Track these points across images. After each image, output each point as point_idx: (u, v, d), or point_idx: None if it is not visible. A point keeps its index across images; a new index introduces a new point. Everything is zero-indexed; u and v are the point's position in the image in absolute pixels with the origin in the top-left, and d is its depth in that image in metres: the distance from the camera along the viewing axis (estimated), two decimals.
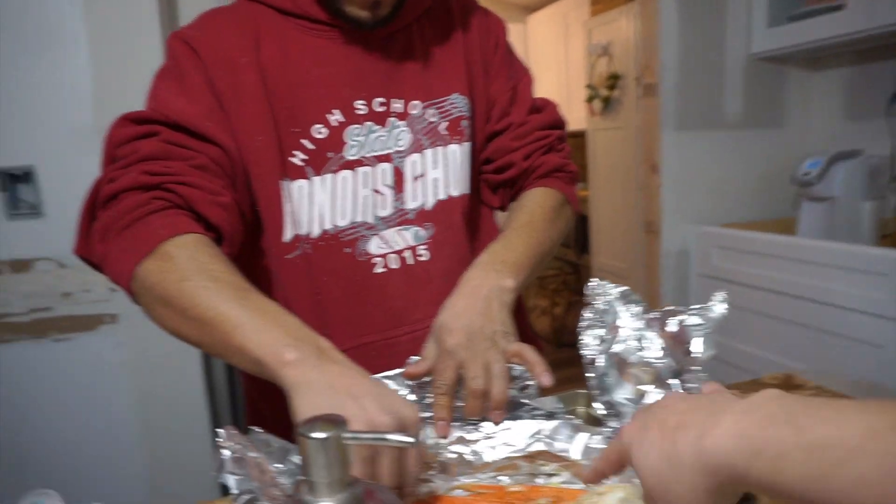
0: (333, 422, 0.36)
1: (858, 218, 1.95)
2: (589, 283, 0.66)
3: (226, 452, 0.44)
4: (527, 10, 4.18)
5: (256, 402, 0.83)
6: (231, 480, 0.43)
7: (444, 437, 0.62)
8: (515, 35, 4.17)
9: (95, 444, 1.59)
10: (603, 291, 0.65)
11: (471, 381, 0.62)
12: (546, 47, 3.95)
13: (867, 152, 2.00)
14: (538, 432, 0.63)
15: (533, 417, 0.67)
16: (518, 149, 0.82)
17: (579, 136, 3.38)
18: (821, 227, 2.01)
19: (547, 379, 0.62)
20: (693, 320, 0.57)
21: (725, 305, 0.57)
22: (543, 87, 3.99)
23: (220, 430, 0.46)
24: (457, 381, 0.64)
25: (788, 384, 0.86)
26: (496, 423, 0.63)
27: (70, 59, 1.47)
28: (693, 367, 0.55)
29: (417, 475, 0.52)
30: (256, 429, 0.54)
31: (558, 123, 0.86)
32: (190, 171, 0.64)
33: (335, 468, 0.35)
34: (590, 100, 3.06)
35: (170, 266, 0.57)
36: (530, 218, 0.77)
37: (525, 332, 0.83)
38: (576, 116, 3.54)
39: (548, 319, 3.82)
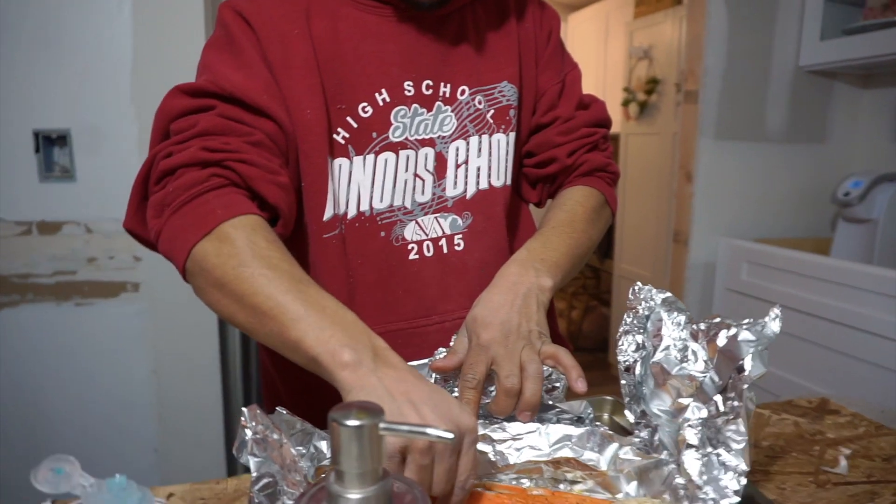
0: (369, 410, 0.34)
1: None
2: (633, 287, 0.63)
3: (248, 433, 0.42)
4: (569, 7, 4.12)
5: (274, 381, 0.81)
6: (252, 462, 0.41)
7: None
8: None
9: (109, 409, 1.60)
10: (646, 296, 0.62)
11: (504, 378, 0.60)
12: (586, 47, 3.90)
13: None
14: (566, 438, 0.60)
15: (559, 421, 0.64)
16: (563, 144, 0.79)
17: (613, 139, 3.33)
18: (857, 249, 1.95)
19: (582, 385, 0.60)
20: (745, 336, 0.54)
21: (779, 323, 0.54)
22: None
23: (245, 409, 0.44)
24: (486, 377, 0.61)
25: (823, 408, 0.82)
26: (524, 423, 0.61)
27: (112, 25, 1.47)
28: (741, 385, 0.53)
29: (467, 486, 0.50)
30: (281, 409, 0.53)
31: (604, 122, 0.83)
32: (248, 148, 0.63)
33: (367, 459, 0.33)
34: (626, 103, 3.01)
35: (227, 249, 0.56)
36: (571, 217, 0.75)
37: (553, 332, 0.81)
38: (612, 120, 3.49)
39: (564, 322, 3.78)
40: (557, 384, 0.65)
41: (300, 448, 0.52)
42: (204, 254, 0.57)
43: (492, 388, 0.63)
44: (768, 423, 0.78)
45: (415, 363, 0.64)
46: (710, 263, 2.26)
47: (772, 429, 0.76)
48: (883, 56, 1.87)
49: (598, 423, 0.64)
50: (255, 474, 0.41)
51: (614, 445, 0.59)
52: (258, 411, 0.44)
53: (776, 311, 0.54)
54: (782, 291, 1.93)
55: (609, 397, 0.74)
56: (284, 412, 0.53)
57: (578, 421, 0.64)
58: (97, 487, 0.35)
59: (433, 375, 0.65)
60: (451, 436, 0.35)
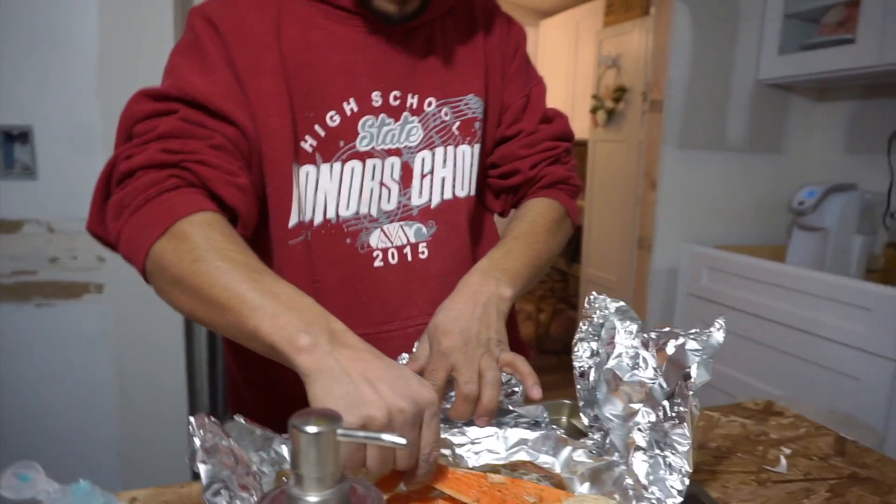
0: (327, 417, 0.35)
1: (848, 251, 1.97)
2: (589, 297, 0.66)
3: (197, 441, 0.44)
4: (540, 14, 4.18)
5: (238, 386, 0.82)
6: (202, 470, 0.42)
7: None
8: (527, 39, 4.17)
9: (71, 413, 1.58)
10: (601, 305, 0.65)
11: (463, 385, 0.62)
12: (556, 54, 3.95)
13: (862, 187, 2.02)
14: (522, 441, 0.63)
15: (517, 425, 0.67)
16: (526, 157, 0.82)
17: (581, 145, 3.39)
18: (811, 257, 2.03)
19: (537, 392, 0.62)
20: (691, 345, 0.57)
21: (723, 333, 0.57)
22: (550, 94, 3.98)
23: (191, 418, 0.45)
24: (447, 383, 0.63)
25: (769, 410, 0.86)
26: (481, 427, 0.63)
27: (77, 20, 1.45)
28: (687, 392, 0.56)
29: (431, 458, 0.51)
30: (238, 417, 0.54)
31: (567, 136, 0.86)
32: (207, 151, 0.63)
33: (325, 464, 0.35)
34: (594, 111, 3.07)
35: (184, 245, 0.57)
36: (532, 228, 0.77)
37: (514, 338, 0.83)
38: (579, 126, 3.55)
39: (532, 325, 3.83)
40: (517, 389, 0.68)
41: (261, 453, 0.54)
42: (161, 252, 0.57)
43: (452, 394, 0.65)
44: (717, 425, 0.81)
45: None
46: (673, 269, 2.32)
47: (720, 430, 0.80)
48: (836, 71, 1.95)
49: (553, 427, 0.66)
50: (205, 481, 0.42)
51: (568, 448, 0.62)
52: (206, 420, 0.45)
53: (720, 322, 0.57)
54: (741, 297, 2.00)
55: (567, 401, 0.77)
56: (242, 420, 0.54)
57: (535, 425, 0.66)
58: (61, 493, 0.36)
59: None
60: (403, 441, 0.37)
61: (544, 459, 0.62)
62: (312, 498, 0.35)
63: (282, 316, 0.51)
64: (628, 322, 0.63)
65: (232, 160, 0.65)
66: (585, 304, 0.65)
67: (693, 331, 0.58)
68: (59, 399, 1.56)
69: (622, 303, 0.65)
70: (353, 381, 0.48)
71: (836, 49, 1.95)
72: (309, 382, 0.49)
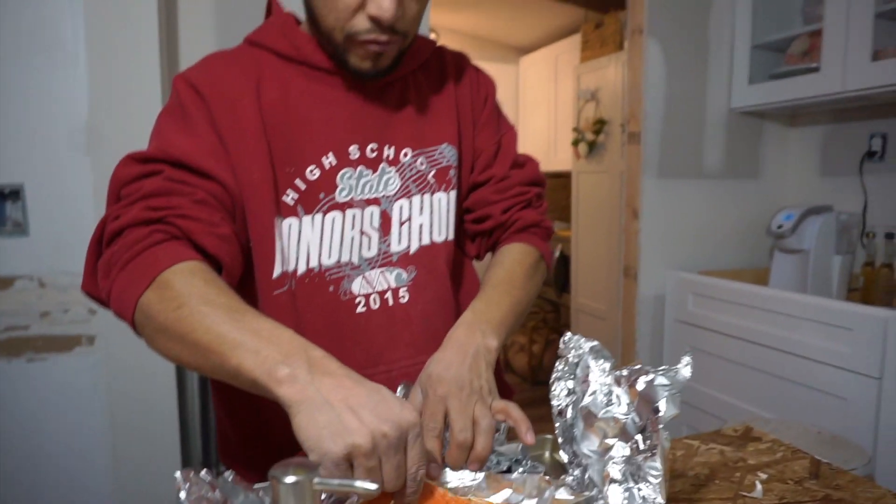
0: (305, 467, 0.38)
1: (828, 272, 2.02)
2: (563, 337, 0.68)
3: (182, 495, 0.46)
4: (520, 51, 4.29)
5: (227, 433, 0.84)
6: None
7: (435, 479, 0.62)
8: (508, 75, 4.28)
9: (63, 466, 1.57)
10: (576, 345, 0.67)
11: (458, 432, 0.63)
12: (537, 89, 4.05)
13: (838, 208, 2.08)
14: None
15: (499, 463, 0.69)
16: (497, 202, 0.85)
17: (565, 177, 3.45)
18: (792, 279, 2.07)
19: (531, 438, 0.64)
20: (660, 381, 0.60)
21: (690, 370, 0.60)
22: (533, 128, 4.08)
23: (177, 474, 0.47)
24: (444, 428, 0.65)
25: (747, 436, 0.89)
26: (473, 472, 0.65)
27: (67, 79, 1.50)
28: (658, 425, 0.58)
29: (419, 477, 0.53)
30: (227, 476, 0.55)
31: (538, 180, 0.90)
32: (190, 206, 0.66)
33: None
34: (576, 143, 3.13)
35: (167, 294, 0.59)
36: (510, 275, 0.80)
37: (498, 378, 0.86)
38: (562, 158, 3.62)
39: (525, 357, 3.83)
40: (498, 429, 0.70)
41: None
42: (148, 303, 0.60)
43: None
44: (696, 454, 0.84)
45: None
46: (660, 296, 2.35)
47: (699, 458, 0.82)
48: (804, 98, 2.02)
49: (535, 464, 0.68)
50: None
51: (550, 489, 0.64)
52: (191, 474, 0.47)
53: (687, 359, 0.60)
54: (726, 321, 2.03)
55: (549, 436, 0.79)
56: (230, 478, 0.55)
57: (516, 462, 0.68)
58: None
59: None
60: (374, 486, 0.39)
61: (528, 503, 0.64)
62: None
63: (262, 350, 0.53)
64: (601, 360, 0.66)
65: (214, 213, 0.69)
66: (560, 345, 0.68)
67: (662, 368, 0.61)
68: (53, 453, 1.56)
69: (596, 342, 0.67)
70: (335, 410, 0.49)
71: (803, 77, 2.02)
72: (292, 414, 0.50)
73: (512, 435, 0.69)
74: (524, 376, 3.75)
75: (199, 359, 0.57)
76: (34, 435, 1.55)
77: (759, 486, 0.73)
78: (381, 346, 0.78)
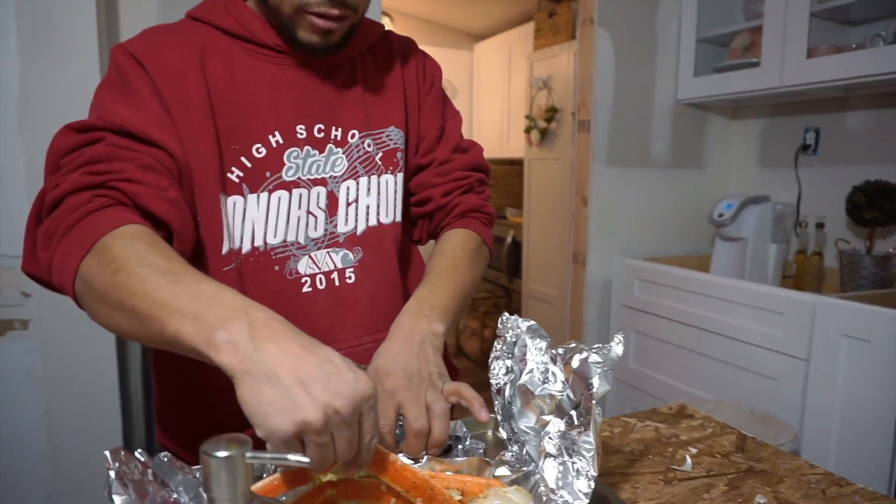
0: (238, 441, 0.38)
1: (764, 259, 2.11)
2: (501, 318, 0.70)
3: (112, 473, 0.45)
4: (474, 38, 4.29)
5: (165, 408, 0.82)
6: (117, 500, 0.44)
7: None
8: (462, 61, 4.28)
9: None
10: (513, 325, 0.69)
11: (413, 421, 0.63)
12: (490, 76, 4.07)
13: (774, 199, 2.17)
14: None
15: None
16: (438, 185, 0.86)
17: (517, 163, 3.49)
18: (732, 266, 2.16)
19: (485, 415, 0.66)
20: (593, 358, 0.61)
21: (622, 347, 0.62)
22: (486, 114, 4.10)
23: (106, 453, 0.46)
24: (397, 422, 0.65)
25: (681, 413, 0.93)
26: (433, 456, 0.65)
27: None
28: (591, 401, 0.60)
29: (371, 446, 0.50)
30: (164, 456, 0.54)
31: (481, 166, 0.91)
32: (135, 170, 0.63)
33: (236, 485, 0.37)
34: (528, 130, 3.17)
35: (105, 258, 0.55)
36: (453, 262, 0.81)
37: (448, 365, 0.87)
38: (515, 145, 3.65)
39: (477, 341, 3.88)
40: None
41: (192, 493, 0.55)
42: (87, 269, 0.56)
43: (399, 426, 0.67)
44: (633, 430, 0.87)
45: None
46: (607, 281, 2.41)
47: (635, 435, 0.85)
48: (745, 92, 2.09)
49: (476, 441, 0.70)
50: None
51: (490, 469, 0.66)
52: (121, 452, 0.47)
53: (619, 337, 0.62)
54: (669, 305, 2.10)
55: (491, 415, 0.81)
56: (165, 458, 0.54)
57: (456, 440, 0.69)
58: None
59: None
60: (307, 460, 0.40)
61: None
62: None
63: (201, 315, 0.49)
64: (538, 340, 0.68)
65: (161, 178, 0.65)
66: (499, 325, 0.70)
67: (596, 346, 0.63)
68: None
69: (532, 322, 0.69)
70: (283, 383, 0.45)
71: (744, 71, 2.10)
72: (236, 384, 0.46)
73: (465, 413, 0.70)
74: (476, 360, 3.79)
75: (138, 327, 0.53)
76: None
77: (688, 460, 0.77)
78: (327, 327, 0.78)
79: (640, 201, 2.43)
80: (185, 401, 0.79)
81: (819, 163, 2.19)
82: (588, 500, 0.59)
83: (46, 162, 0.66)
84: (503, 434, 0.69)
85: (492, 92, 4.02)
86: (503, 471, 0.65)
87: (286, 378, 0.45)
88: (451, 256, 0.82)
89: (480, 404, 0.66)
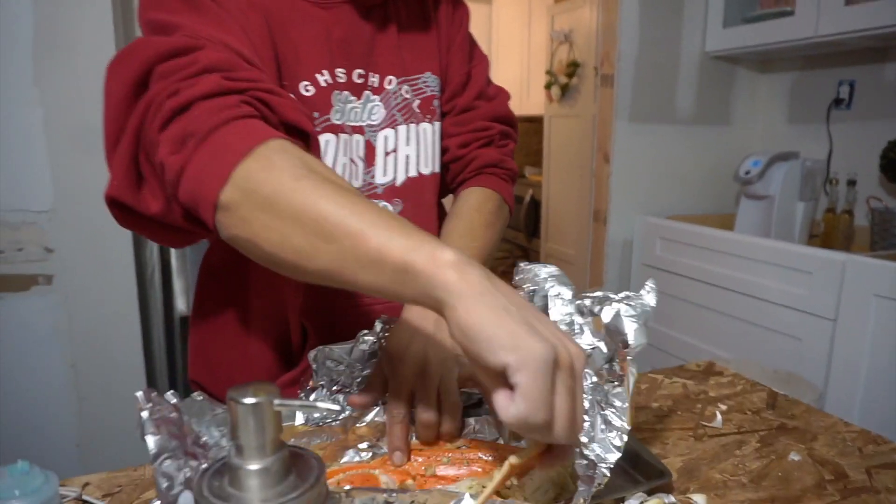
0: (265, 388, 0.37)
1: (792, 217, 2.06)
2: (518, 266, 0.67)
3: (145, 414, 0.45)
4: None
5: (198, 367, 0.81)
6: (150, 440, 0.44)
7: (402, 465, 0.59)
8: (481, 16, 4.16)
9: (26, 406, 1.55)
10: (532, 274, 0.66)
11: (422, 413, 0.60)
12: (510, 31, 3.95)
13: (804, 155, 2.10)
14: (470, 429, 0.65)
15: (470, 396, 0.69)
16: (457, 135, 0.82)
17: (537, 121, 3.42)
18: (757, 224, 2.11)
19: None
20: (626, 310, 0.59)
21: (654, 296, 0.59)
22: (505, 70, 4.00)
23: (138, 394, 0.46)
24: (410, 410, 0.62)
25: (709, 371, 0.91)
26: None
27: (9, 4, 1.40)
28: (626, 355, 0.58)
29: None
30: (197, 395, 0.54)
31: (505, 118, 0.85)
32: (269, 82, 0.56)
33: (263, 433, 0.36)
34: (548, 86, 3.09)
35: (280, 163, 0.47)
36: (469, 226, 0.76)
37: None
38: (535, 102, 3.57)
39: None
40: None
41: (222, 428, 0.55)
42: (248, 172, 0.47)
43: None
44: (660, 387, 0.85)
45: (344, 344, 0.66)
46: (628, 240, 2.38)
47: (663, 391, 0.84)
48: (777, 43, 2.01)
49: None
50: (154, 451, 0.43)
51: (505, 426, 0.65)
52: (152, 394, 0.46)
53: (650, 284, 0.60)
54: (692, 265, 2.07)
55: None
56: (200, 397, 0.54)
57: (480, 403, 0.68)
58: None
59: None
60: (337, 407, 0.38)
61: (492, 436, 0.65)
62: (253, 466, 0.36)
63: (413, 234, 0.43)
64: (561, 288, 0.65)
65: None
66: (515, 276, 0.66)
67: (624, 294, 0.60)
68: (13, 394, 1.53)
69: (553, 267, 0.65)
70: (522, 314, 0.40)
71: (777, 21, 2.01)
72: (465, 307, 0.40)
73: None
74: None
75: (319, 241, 0.45)
76: None
77: (719, 417, 0.76)
78: None
79: (663, 158, 2.37)
80: (221, 346, 0.77)
81: (852, 117, 2.11)
82: (620, 454, 0.57)
83: (122, 71, 0.55)
84: None
85: (511, 47, 3.91)
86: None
87: (524, 310, 0.41)
88: (468, 219, 0.77)
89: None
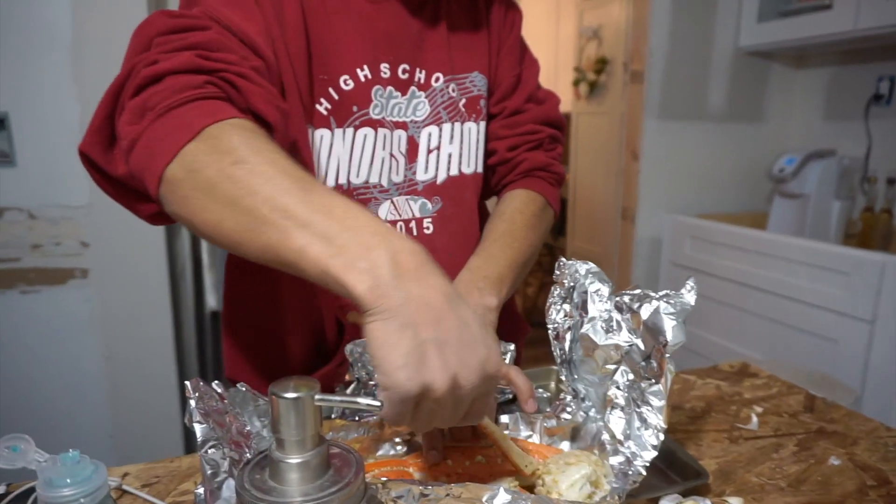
0: (306, 383, 0.37)
1: (827, 217, 2.01)
2: (559, 261, 0.67)
3: (192, 403, 0.46)
4: None
5: (232, 354, 0.82)
6: (198, 428, 0.45)
7: (436, 464, 0.59)
8: None
9: (62, 397, 1.59)
10: (572, 270, 0.66)
11: None
12: (537, 26, 3.92)
13: (841, 153, 2.05)
14: (504, 427, 0.65)
15: (503, 392, 0.68)
16: (505, 137, 0.81)
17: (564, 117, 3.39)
18: (791, 224, 2.07)
19: (532, 406, 0.62)
20: (665, 308, 0.58)
21: (694, 295, 0.59)
22: None
23: (187, 383, 0.47)
24: None
25: (743, 372, 0.89)
26: None
27: (49, 3, 1.43)
28: (664, 353, 0.57)
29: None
30: (241, 386, 0.55)
31: (554, 121, 0.84)
32: (248, 67, 0.57)
33: (304, 427, 0.36)
34: (576, 83, 3.06)
35: (223, 146, 0.48)
36: (511, 227, 0.76)
37: (511, 312, 0.84)
38: (562, 99, 3.54)
39: (520, 299, 3.86)
40: (506, 355, 0.69)
41: (263, 419, 0.55)
42: (194, 153, 0.48)
43: None
44: (693, 388, 0.84)
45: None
46: (657, 239, 2.35)
47: (696, 392, 0.83)
48: (814, 37, 1.96)
49: (540, 389, 0.68)
50: (200, 438, 0.45)
51: (541, 418, 0.64)
52: (199, 383, 0.47)
53: (691, 283, 0.59)
54: (723, 264, 2.03)
55: (555, 367, 0.79)
56: (244, 388, 0.55)
57: (513, 401, 0.68)
58: (52, 462, 0.37)
59: None
60: (378, 404, 0.38)
61: (525, 433, 0.64)
62: (293, 460, 0.36)
63: (336, 237, 0.43)
64: (599, 285, 0.65)
65: (271, 85, 0.60)
66: (556, 271, 0.67)
67: (664, 292, 0.60)
68: (49, 385, 1.57)
69: (591, 265, 0.66)
70: (419, 338, 0.41)
71: (814, 15, 1.96)
72: (368, 317, 0.42)
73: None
74: (528, 326, 3.79)
75: (248, 231, 0.46)
76: (31, 365, 1.55)
77: (754, 419, 0.74)
78: None
79: (694, 156, 2.33)
80: (255, 342, 0.78)
81: (893, 114, 2.05)
82: (656, 452, 0.57)
83: (133, 39, 0.59)
84: (562, 378, 0.67)
85: (538, 43, 3.87)
86: (557, 419, 0.64)
87: (424, 332, 0.42)
88: (510, 221, 0.77)
89: (529, 394, 0.62)
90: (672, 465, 0.61)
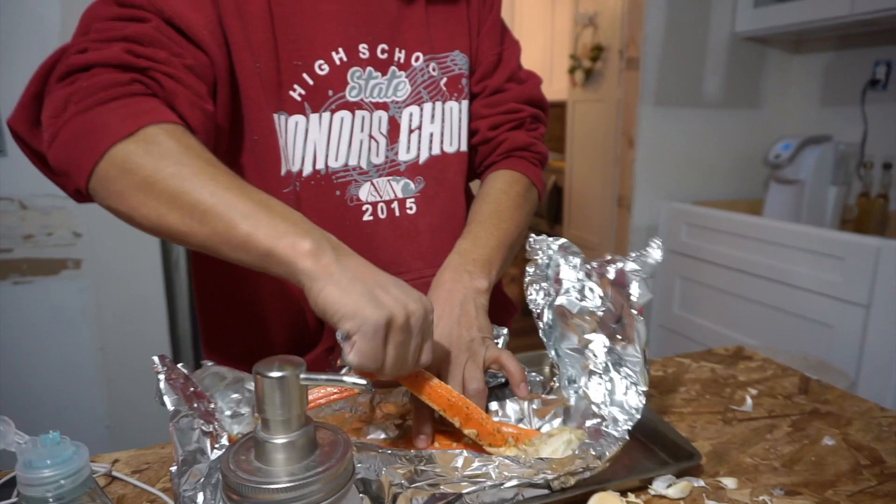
0: (291, 362, 0.36)
1: (823, 202, 2.01)
2: (529, 240, 0.67)
3: (161, 377, 0.47)
4: None
5: (211, 339, 0.81)
6: (167, 401, 0.46)
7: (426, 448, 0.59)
8: None
9: (57, 388, 1.58)
10: (543, 246, 0.66)
11: None
12: (533, 14, 3.90)
13: (837, 138, 2.04)
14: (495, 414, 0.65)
15: (496, 380, 0.68)
16: (486, 116, 0.80)
17: (560, 106, 3.38)
18: (787, 209, 2.06)
19: (524, 391, 0.62)
20: (630, 266, 0.59)
21: (660, 252, 0.59)
22: (528, 55, 3.93)
23: (154, 358, 0.48)
24: None
25: (738, 355, 0.89)
26: None
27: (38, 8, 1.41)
28: (632, 311, 0.58)
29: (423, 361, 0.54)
30: (207, 362, 0.55)
31: (536, 101, 0.84)
32: (179, 67, 0.58)
33: (290, 407, 0.36)
34: (572, 70, 3.04)
35: (159, 150, 0.51)
36: (497, 208, 0.76)
37: (499, 294, 0.84)
38: (557, 87, 3.53)
39: (516, 287, 3.85)
40: (498, 339, 0.68)
41: (236, 395, 0.55)
42: (127, 154, 0.52)
43: None
44: (688, 371, 0.84)
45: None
46: (653, 226, 2.34)
47: (690, 375, 0.82)
48: (811, 22, 1.95)
49: (533, 372, 0.68)
50: (171, 409, 0.46)
51: (532, 401, 0.64)
52: (167, 359, 0.48)
53: (657, 241, 0.60)
54: (719, 251, 2.03)
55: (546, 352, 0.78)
56: (211, 364, 0.55)
57: (504, 385, 0.67)
58: (31, 444, 0.37)
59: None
60: (364, 382, 0.38)
61: (516, 418, 0.64)
62: (279, 440, 0.36)
63: (279, 224, 0.50)
64: (571, 257, 0.65)
65: (200, 84, 0.61)
66: (527, 248, 0.66)
67: (633, 253, 0.60)
68: (44, 376, 1.57)
69: (564, 239, 0.66)
70: (367, 285, 0.49)
71: (810, 0, 1.94)
72: (319, 287, 0.48)
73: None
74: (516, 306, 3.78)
75: (193, 223, 0.50)
76: (24, 356, 1.55)
77: (749, 401, 0.74)
78: (388, 258, 0.74)
79: (690, 143, 2.33)
80: (230, 324, 0.78)
81: (889, 99, 2.04)
82: (639, 416, 0.56)
83: (80, 22, 0.61)
84: (550, 357, 0.66)
85: (534, 31, 3.86)
86: (548, 400, 0.63)
87: (369, 282, 0.49)
88: (495, 201, 0.76)
89: (521, 378, 0.63)
90: (665, 447, 0.61)
